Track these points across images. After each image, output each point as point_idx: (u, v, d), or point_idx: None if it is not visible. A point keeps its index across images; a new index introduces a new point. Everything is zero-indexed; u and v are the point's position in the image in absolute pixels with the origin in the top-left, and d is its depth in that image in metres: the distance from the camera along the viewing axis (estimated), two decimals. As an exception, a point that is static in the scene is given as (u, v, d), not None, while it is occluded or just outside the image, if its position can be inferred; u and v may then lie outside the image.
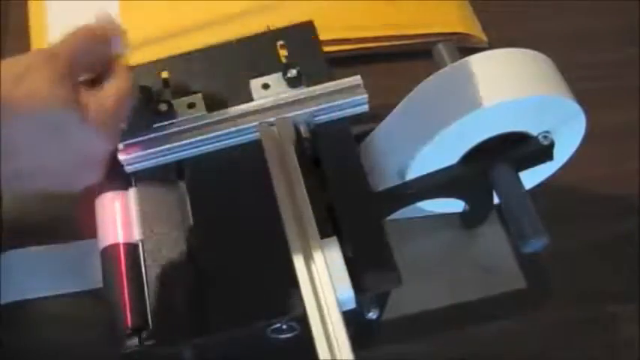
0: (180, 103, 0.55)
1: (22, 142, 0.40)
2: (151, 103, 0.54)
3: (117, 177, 0.53)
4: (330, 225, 0.50)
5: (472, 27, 0.77)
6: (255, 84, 0.56)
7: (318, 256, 0.47)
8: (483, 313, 0.60)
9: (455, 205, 0.61)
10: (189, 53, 0.59)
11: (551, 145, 0.54)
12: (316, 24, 0.60)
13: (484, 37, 0.77)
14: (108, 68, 0.46)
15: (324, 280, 0.46)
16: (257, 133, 0.53)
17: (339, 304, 0.45)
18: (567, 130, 0.55)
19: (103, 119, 0.43)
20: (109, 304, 0.50)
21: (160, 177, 0.53)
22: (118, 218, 0.53)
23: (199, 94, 0.55)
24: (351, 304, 0.46)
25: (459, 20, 0.77)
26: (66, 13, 0.75)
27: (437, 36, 0.74)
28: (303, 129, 0.53)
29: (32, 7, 0.76)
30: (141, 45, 0.72)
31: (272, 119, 0.53)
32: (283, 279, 0.47)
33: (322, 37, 0.59)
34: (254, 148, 0.53)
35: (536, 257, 0.56)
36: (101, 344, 0.50)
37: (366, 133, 0.58)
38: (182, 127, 0.53)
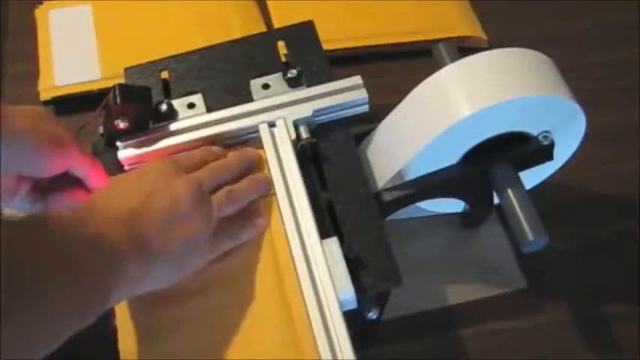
0: (180, 103, 0.55)
1: None
2: (151, 103, 0.54)
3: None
4: (330, 225, 0.50)
5: (472, 28, 0.77)
6: (255, 84, 0.56)
7: (318, 256, 0.47)
8: (483, 313, 0.60)
9: (455, 205, 0.61)
10: (189, 53, 0.59)
11: (551, 145, 0.54)
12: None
13: (484, 37, 0.77)
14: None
15: (324, 280, 0.46)
16: (257, 133, 0.53)
17: (340, 304, 0.45)
18: (567, 130, 0.55)
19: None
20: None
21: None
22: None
23: (199, 94, 0.55)
24: (352, 304, 0.46)
25: (460, 22, 0.77)
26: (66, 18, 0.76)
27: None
28: (303, 129, 0.53)
29: (38, 15, 0.77)
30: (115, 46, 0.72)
31: (272, 119, 0.53)
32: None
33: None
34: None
35: (536, 257, 0.56)
36: (100, 343, 0.49)
37: (366, 133, 0.58)
38: (182, 127, 0.53)
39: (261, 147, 0.53)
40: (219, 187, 0.48)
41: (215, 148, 0.53)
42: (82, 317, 0.39)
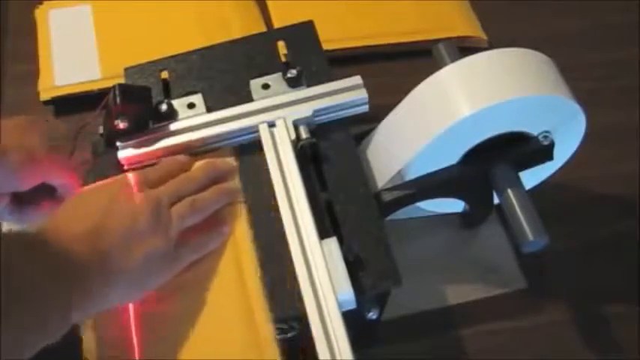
0: (180, 103, 0.55)
1: None
2: (151, 103, 0.54)
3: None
4: (329, 225, 0.50)
5: (472, 28, 0.77)
6: (255, 84, 0.56)
7: (318, 257, 0.47)
8: (483, 313, 0.60)
9: (455, 205, 0.61)
10: (189, 53, 0.59)
11: (551, 145, 0.54)
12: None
13: (484, 37, 0.77)
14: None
15: (324, 280, 0.46)
16: (257, 134, 0.53)
17: (339, 304, 0.45)
18: (567, 130, 0.55)
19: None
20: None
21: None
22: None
23: (199, 94, 0.55)
24: (351, 305, 0.46)
25: (460, 22, 0.77)
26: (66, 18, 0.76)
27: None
28: (303, 129, 0.53)
29: (38, 15, 0.77)
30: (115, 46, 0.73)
31: (272, 119, 0.53)
32: (284, 280, 0.47)
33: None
34: (254, 149, 0.53)
35: (536, 257, 0.56)
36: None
37: (366, 133, 0.58)
38: (182, 128, 0.53)
39: (231, 155, 0.53)
40: (182, 198, 0.49)
41: (181, 157, 0.52)
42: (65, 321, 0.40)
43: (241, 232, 0.50)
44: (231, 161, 0.53)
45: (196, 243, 0.48)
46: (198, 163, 0.52)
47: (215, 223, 0.50)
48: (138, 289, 0.45)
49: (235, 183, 0.52)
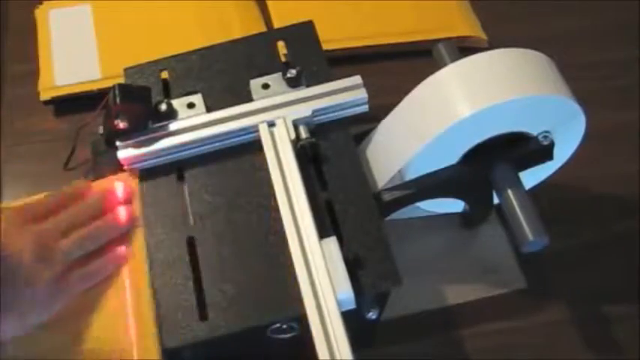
0: (180, 103, 0.55)
1: None
2: (151, 103, 0.54)
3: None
4: (329, 225, 0.50)
5: (473, 28, 0.77)
6: (255, 84, 0.56)
7: (317, 257, 0.47)
8: (483, 313, 0.60)
9: (455, 205, 0.61)
10: (189, 53, 0.59)
11: (551, 145, 0.54)
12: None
13: (484, 37, 0.77)
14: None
15: (323, 280, 0.46)
16: (257, 133, 0.53)
17: (339, 304, 0.45)
18: (567, 130, 0.55)
19: None
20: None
21: (160, 177, 0.53)
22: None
23: (199, 94, 0.55)
24: (351, 305, 0.46)
25: (460, 22, 0.77)
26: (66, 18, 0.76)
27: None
28: (303, 129, 0.53)
29: (38, 15, 0.77)
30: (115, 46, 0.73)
31: (272, 119, 0.53)
32: (284, 280, 0.47)
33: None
34: (254, 149, 0.53)
35: (536, 257, 0.56)
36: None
37: (366, 133, 0.58)
38: (182, 127, 0.53)
39: (136, 177, 0.53)
40: (75, 228, 0.49)
41: (80, 183, 0.52)
42: None
43: (139, 255, 0.50)
44: (134, 184, 0.53)
45: (87, 271, 0.49)
46: (95, 191, 0.52)
47: (112, 247, 0.50)
48: (25, 323, 0.46)
49: (135, 207, 0.52)
